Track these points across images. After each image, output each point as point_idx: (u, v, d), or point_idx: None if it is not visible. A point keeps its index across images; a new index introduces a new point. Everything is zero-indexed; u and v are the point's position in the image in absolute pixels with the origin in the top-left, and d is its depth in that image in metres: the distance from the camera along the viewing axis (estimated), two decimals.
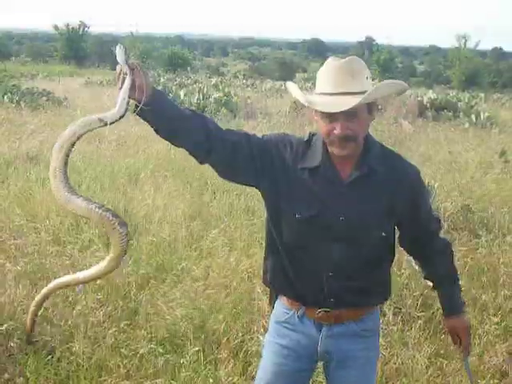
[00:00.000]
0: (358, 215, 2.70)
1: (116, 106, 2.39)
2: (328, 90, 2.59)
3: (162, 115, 2.50)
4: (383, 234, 2.75)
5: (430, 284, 3.14)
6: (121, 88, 2.39)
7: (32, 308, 2.84)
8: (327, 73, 2.61)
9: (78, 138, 2.46)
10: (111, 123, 2.41)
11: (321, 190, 2.70)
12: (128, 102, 2.38)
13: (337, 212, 2.69)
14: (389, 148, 2.87)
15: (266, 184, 2.77)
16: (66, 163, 2.49)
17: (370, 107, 2.63)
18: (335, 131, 2.58)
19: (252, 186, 2.87)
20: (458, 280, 3.04)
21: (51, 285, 2.80)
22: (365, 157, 2.71)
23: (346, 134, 2.57)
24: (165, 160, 10.49)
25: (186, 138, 2.62)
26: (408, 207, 2.79)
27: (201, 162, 2.73)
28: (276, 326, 2.95)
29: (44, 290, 2.80)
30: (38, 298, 2.81)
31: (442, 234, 3.02)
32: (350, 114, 2.54)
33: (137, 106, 2.41)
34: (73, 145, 2.46)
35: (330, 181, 2.70)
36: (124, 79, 2.38)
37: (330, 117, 2.58)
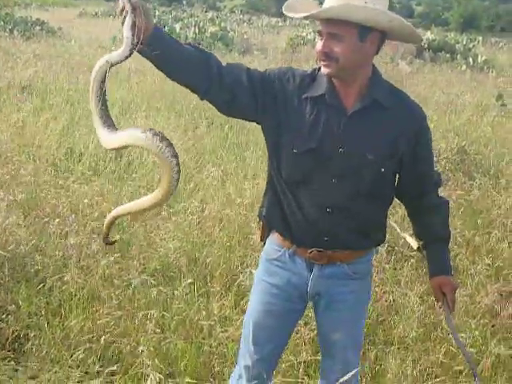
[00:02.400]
0: (357, 147, 2.64)
1: (123, 45, 2.32)
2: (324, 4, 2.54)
3: (163, 53, 2.43)
4: (382, 169, 2.68)
5: (415, 245, 3.11)
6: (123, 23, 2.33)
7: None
8: None
9: (102, 82, 2.38)
10: (116, 63, 2.35)
11: (323, 120, 2.64)
12: (133, 41, 2.30)
13: (337, 144, 2.63)
14: (399, 88, 2.80)
15: (267, 120, 2.72)
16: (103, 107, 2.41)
17: (363, 33, 2.52)
18: (318, 48, 2.56)
19: (252, 121, 2.81)
20: (449, 242, 2.99)
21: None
22: (370, 88, 2.65)
23: (324, 52, 2.53)
24: (158, 93, 10.37)
25: (186, 74, 2.56)
26: (412, 149, 2.71)
27: (201, 98, 2.67)
28: (266, 264, 2.90)
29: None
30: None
31: (440, 193, 2.96)
32: (330, 34, 2.51)
33: (137, 44, 2.34)
34: (102, 88, 2.39)
35: (333, 110, 2.63)
36: (125, 17, 2.32)
37: (320, 35, 2.56)
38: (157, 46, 2.39)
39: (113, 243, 2.81)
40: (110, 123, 2.41)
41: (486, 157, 8.43)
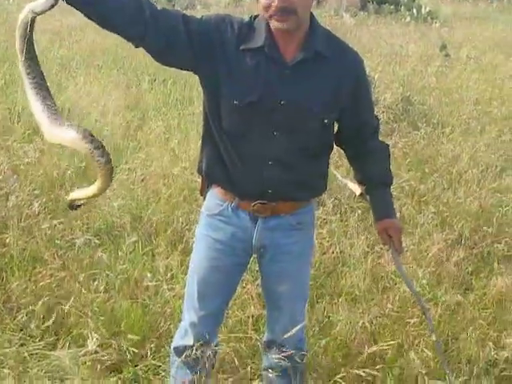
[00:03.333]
0: (300, 99, 2.58)
1: None
2: None
3: (91, 1, 2.33)
4: (325, 121, 2.65)
5: (358, 192, 3.08)
6: None
7: None
8: None
9: (27, 38, 2.29)
10: (41, 13, 2.23)
11: (263, 72, 2.56)
12: None
13: (278, 96, 2.57)
14: (335, 35, 2.74)
15: (204, 69, 2.62)
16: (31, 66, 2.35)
17: None
18: (273, 3, 2.44)
19: (189, 70, 2.71)
20: (391, 186, 2.97)
21: None
22: (310, 39, 2.58)
23: (284, 6, 2.43)
24: (99, 50, 10.16)
25: (118, 20, 2.42)
26: (351, 95, 2.68)
27: (136, 45, 2.55)
28: (208, 219, 2.84)
29: None
30: None
31: (381, 136, 2.94)
32: None
33: None
34: (28, 44, 2.31)
35: (273, 62, 2.56)
36: None
37: None
38: None
39: (78, 207, 2.74)
40: (46, 96, 2.34)
41: (430, 107, 8.46)
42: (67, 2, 2.28)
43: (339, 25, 15.67)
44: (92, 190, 2.44)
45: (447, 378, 3.08)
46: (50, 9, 2.21)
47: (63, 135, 2.31)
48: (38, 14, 2.23)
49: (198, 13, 15.02)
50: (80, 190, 2.59)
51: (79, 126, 2.34)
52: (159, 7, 2.54)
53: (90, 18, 2.40)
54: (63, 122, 2.32)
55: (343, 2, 19.59)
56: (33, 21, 2.25)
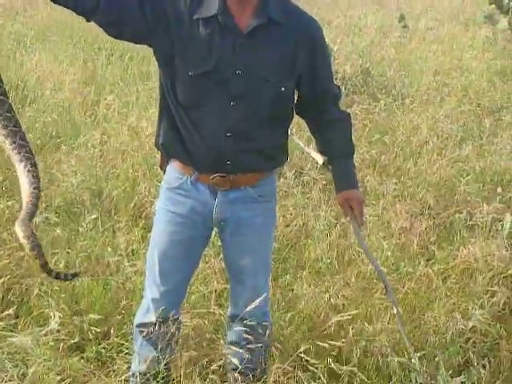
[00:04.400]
0: (255, 68, 2.56)
1: None
2: None
3: None
4: (282, 88, 2.62)
5: (320, 161, 3.04)
6: None
7: None
8: None
9: None
10: None
11: (217, 41, 2.53)
12: None
13: (233, 66, 2.54)
14: (290, 1, 2.70)
15: (158, 40, 2.58)
16: None
17: None
18: None
19: (143, 43, 2.66)
20: (353, 157, 2.94)
21: None
22: (264, 6, 2.54)
23: None
24: (55, 25, 9.97)
25: None
26: (309, 63, 2.66)
27: (87, 20, 2.51)
28: (168, 193, 2.81)
29: None
30: None
31: (342, 107, 2.91)
32: None
33: None
34: None
35: (227, 30, 2.52)
36: None
37: None
38: None
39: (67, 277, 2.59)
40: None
41: (389, 78, 8.46)
42: None
43: None
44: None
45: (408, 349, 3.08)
46: None
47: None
48: None
49: None
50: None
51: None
52: None
53: None
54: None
55: None
56: None
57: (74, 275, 2.55)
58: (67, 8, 2.44)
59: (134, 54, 8.30)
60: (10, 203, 4.34)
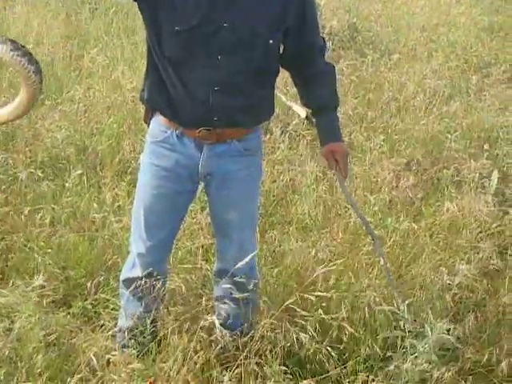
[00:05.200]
0: (243, 19, 2.52)
1: None
2: None
3: None
4: (271, 41, 2.60)
5: (303, 114, 3.04)
6: None
7: None
8: None
9: None
10: None
11: None
12: None
13: (221, 18, 2.50)
14: None
15: None
16: None
17: None
18: None
19: None
20: (337, 109, 2.92)
21: None
22: None
23: None
24: None
25: None
26: (297, 16, 2.63)
27: None
28: (153, 147, 2.78)
29: None
30: None
31: (327, 59, 2.88)
32: None
33: None
34: None
35: None
36: None
37: None
38: None
39: None
40: None
41: (376, 34, 8.39)
42: None
43: None
44: (14, 109, 2.34)
45: (395, 301, 3.08)
46: None
47: None
48: None
49: None
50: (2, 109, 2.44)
51: (8, 38, 2.23)
52: None
53: None
54: None
55: None
56: None
57: None
58: None
59: (119, 9, 8.17)
60: None
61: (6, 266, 3.56)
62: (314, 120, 2.95)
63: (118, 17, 7.94)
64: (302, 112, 3.07)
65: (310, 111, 2.95)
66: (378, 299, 3.19)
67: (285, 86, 5.41)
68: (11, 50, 2.17)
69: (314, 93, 2.87)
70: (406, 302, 2.96)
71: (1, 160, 4.41)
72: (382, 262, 3.14)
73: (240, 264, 2.76)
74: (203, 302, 3.19)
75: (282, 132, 5.15)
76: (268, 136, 4.91)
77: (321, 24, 6.96)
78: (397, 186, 4.56)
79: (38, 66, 2.23)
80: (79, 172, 4.29)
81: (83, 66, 6.22)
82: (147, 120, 2.83)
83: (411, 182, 4.61)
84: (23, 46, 2.21)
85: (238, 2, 2.52)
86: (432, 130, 5.55)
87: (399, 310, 2.96)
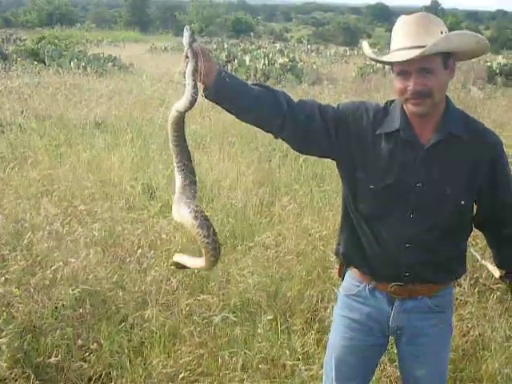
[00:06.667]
0: (436, 182, 2.58)
1: (185, 92, 2.38)
2: (401, 45, 2.48)
3: (229, 96, 2.48)
4: (462, 202, 2.62)
5: (497, 274, 2.98)
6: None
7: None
8: (399, 28, 2.50)
9: (178, 134, 2.49)
10: (186, 111, 2.41)
11: (399, 155, 2.59)
12: (195, 86, 2.36)
13: (414, 179, 2.58)
14: (470, 115, 2.73)
15: (341, 155, 2.69)
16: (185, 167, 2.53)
17: (446, 61, 2.48)
18: (409, 88, 2.46)
19: (327, 157, 2.80)
20: None
21: None
22: (445, 121, 2.59)
23: (419, 90, 2.45)
24: (231, 126, 10.39)
25: (257, 114, 2.58)
26: (489, 177, 2.64)
27: (276, 137, 2.69)
28: (345, 300, 2.87)
29: None
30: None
31: None
32: (423, 69, 2.43)
33: (204, 90, 2.43)
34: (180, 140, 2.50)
35: (408, 145, 2.58)
36: (187, 64, 2.38)
37: (404, 74, 2.47)
38: (222, 90, 2.44)
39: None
40: (186, 176, 2.51)
41: None
42: (208, 99, 2.48)
43: (467, 98, 15.47)
44: (197, 265, 2.63)
45: None
46: (190, 107, 2.39)
47: (180, 212, 2.45)
48: (185, 112, 2.42)
49: (325, 88, 15.35)
50: (189, 258, 2.74)
51: (197, 205, 2.44)
52: (295, 96, 2.65)
53: (229, 112, 2.57)
54: (186, 200, 2.45)
55: (470, 75, 19.39)
56: (179, 118, 2.44)
57: None
58: (253, 125, 2.69)
59: (308, 156, 8.47)
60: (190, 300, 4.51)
61: None
62: (507, 281, 2.91)
63: (307, 164, 8.24)
64: (496, 272, 3.04)
65: (504, 272, 2.91)
66: None
67: (474, 239, 5.36)
68: (195, 221, 2.39)
69: (506, 256, 2.84)
70: None
71: (196, 303, 4.61)
72: None
73: None
74: None
75: (471, 285, 5.07)
76: (457, 289, 4.85)
77: None
78: None
79: (215, 240, 2.41)
80: (270, 317, 4.41)
81: (274, 212, 6.48)
82: (341, 273, 2.93)
83: None
84: (207, 219, 2.41)
85: (430, 164, 2.58)
86: None
87: None
